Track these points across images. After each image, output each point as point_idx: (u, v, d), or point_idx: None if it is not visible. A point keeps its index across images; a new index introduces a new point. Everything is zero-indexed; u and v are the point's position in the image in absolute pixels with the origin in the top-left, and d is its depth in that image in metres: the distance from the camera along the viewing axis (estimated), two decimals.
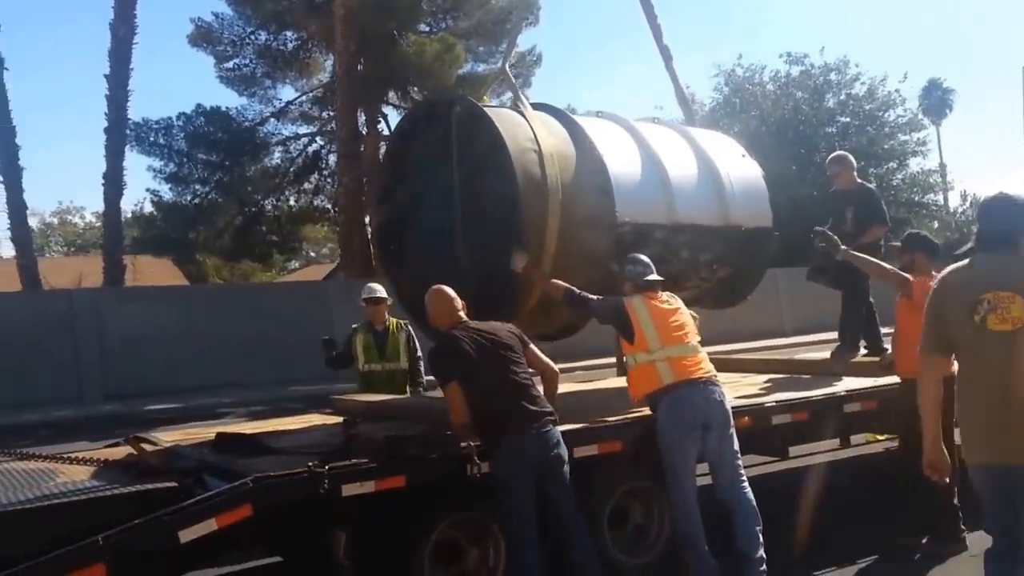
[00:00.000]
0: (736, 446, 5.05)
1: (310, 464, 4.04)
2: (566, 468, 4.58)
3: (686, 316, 5.21)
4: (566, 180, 5.76)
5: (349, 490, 4.13)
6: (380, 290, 7.37)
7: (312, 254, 48.70)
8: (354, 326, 7.56)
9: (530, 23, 23.17)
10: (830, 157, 7.97)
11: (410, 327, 7.66)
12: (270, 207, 24.36)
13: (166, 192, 21.92)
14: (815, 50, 48.80)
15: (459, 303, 4.89)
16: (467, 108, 6.02)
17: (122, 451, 5.27)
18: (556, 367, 4.91)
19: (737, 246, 6.66)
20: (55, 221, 54.08)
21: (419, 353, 7.75)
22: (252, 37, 24.00)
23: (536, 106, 6.59)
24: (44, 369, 15.61)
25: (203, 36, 23.73)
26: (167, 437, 5.64)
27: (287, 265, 42.57)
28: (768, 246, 6.98)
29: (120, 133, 20.33)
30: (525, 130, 5.85)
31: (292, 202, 25.16)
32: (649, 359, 5.00)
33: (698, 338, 5.18)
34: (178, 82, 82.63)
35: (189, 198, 21.94)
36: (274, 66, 24.28)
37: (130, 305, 17.13)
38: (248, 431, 5.66)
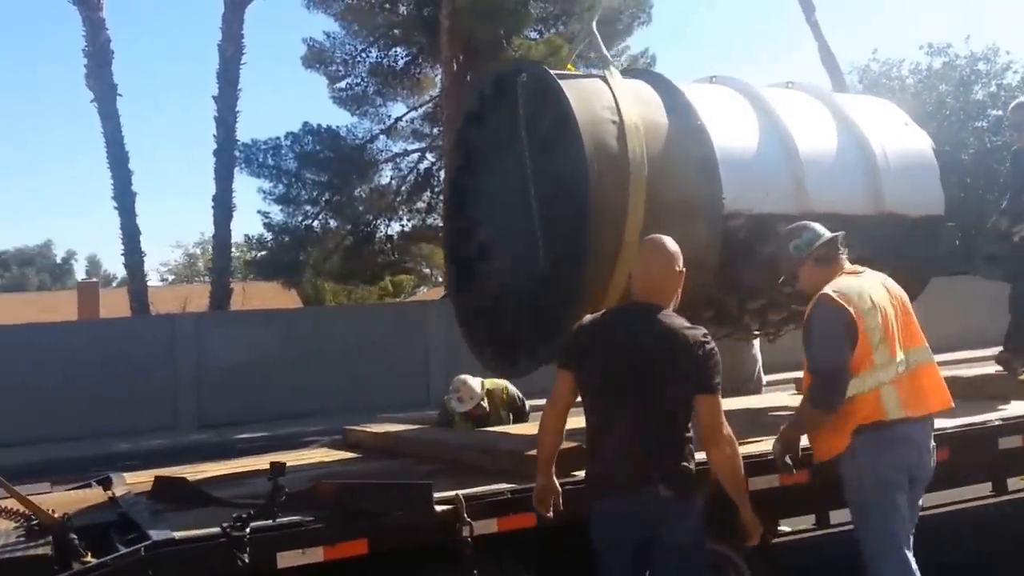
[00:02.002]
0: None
1: (225, 525, 2.93)
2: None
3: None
4: (656, 157, 4.44)
5: (288, 559, 3.05)
6: (469, 391, 6.04)
7: (432, 274, 48.28)
8: (447, 396, 6.27)
9: (643, 22, 21.80)
10: (1015, 103, 6.24)
11: (512, 388, 6.34)
12: (382, 227, 23.77)
13: (277, 214, 21.63)
14: (959, 39, 45.29)
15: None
16: (534, 76, 4.79)
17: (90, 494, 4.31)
18: (736, 443, 3.27)
19: (895, 240, 5.12)
20: (198, 251, 55.90)
21: (527, 410, 6.37)
22: (363, 55, 23.56)
23: (630, 72, 5.29)
24: (144, 396, 15.28)
25: (316, 57, 23.43)
26: (133, 479, 4.60)
27: (416, 289, 42.10)
28: (939, 239, 5.41)
29: (229, 155, 20.11)
30: (604, 98, 4.57)
31: (404, 221, 24.54)
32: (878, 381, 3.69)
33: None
34: (286, 103, 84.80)
35: (300, 219, 21.56)
36: (385, 84, 23.74)
37: (230, 330, 16.69)
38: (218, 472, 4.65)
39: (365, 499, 3.31)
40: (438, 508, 3.33)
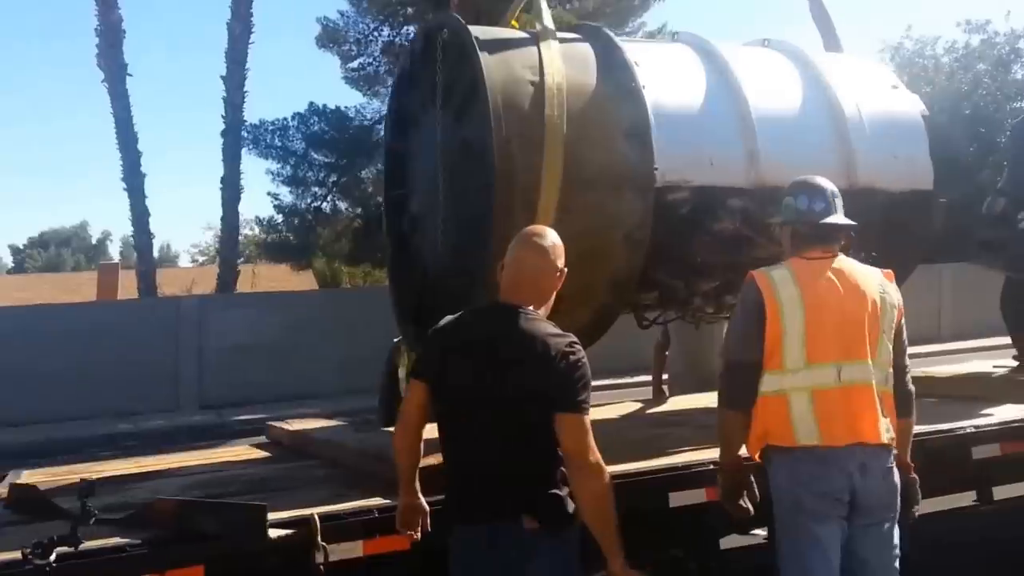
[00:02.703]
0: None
1: (26, 550, 2.51)
2: None
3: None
4: (580, 121, 3.92)
5: None
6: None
7: None
8: (396, 340, 5.93)
9: None
10: None
11: None
12: None
13: (286, 195, 21.29)
14: (999, 16, 43.70)
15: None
16: (453, 31, 4.28)
17: None
18: (606, 472, 2.64)
19: (872, 218, 4.51)
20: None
21: None
22: (376, 34, 23.08)
23: (574, 29, 4.75)
24: (147, 378, 15.16)
25: (329, 36, 22.93)
26: (31, 477, 4.16)
27: None
28: (926, 217, 4.75)
29: (236, 136, 19.80)
30: (528, 58, 4.04)
31: None
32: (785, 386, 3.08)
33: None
34: (296, 84, 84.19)
35: (308, 201, 21.21)
36: (397, 63, 23.25)
37: (234, 312, 16.52)
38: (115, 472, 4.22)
39: (199, 520, 2.87)
40: (278, 532, 2.86)
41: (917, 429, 4.03)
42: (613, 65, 4.12)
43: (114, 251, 60.76)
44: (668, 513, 3.54)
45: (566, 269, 2.84)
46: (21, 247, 64.07)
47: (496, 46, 4.02)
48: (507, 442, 2.62)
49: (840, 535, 2.96)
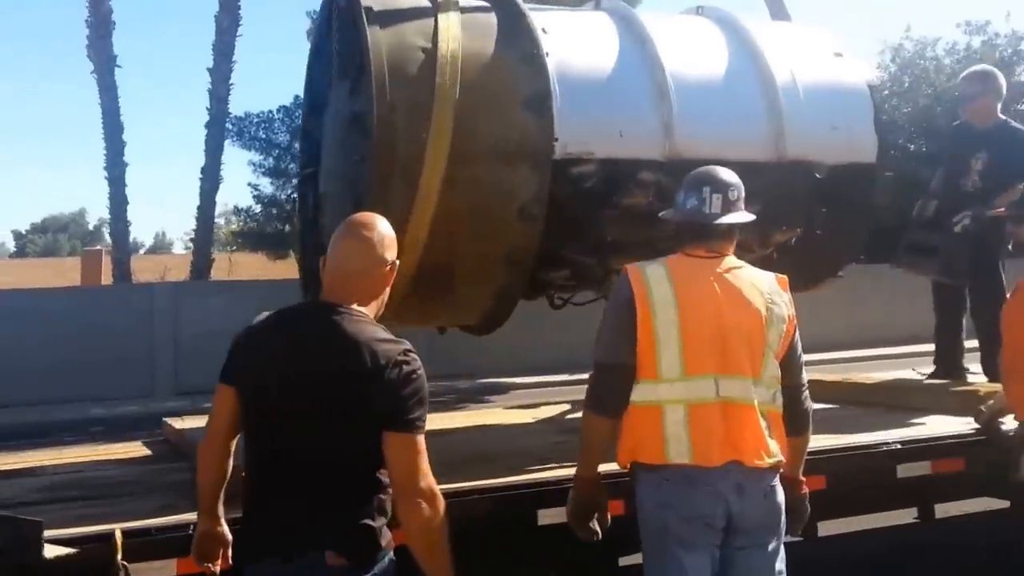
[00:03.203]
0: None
1: None
2: None
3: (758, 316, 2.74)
4: (475, 90, 3.60)
5: None
6: None
7: None
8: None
9: None
10: (968, 72, 5.33)
11: None
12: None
13: (267, 187, 21.03)
14: (1000, 17, 43.21)
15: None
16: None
17: None
18: (440, 500, 2.29)
19: (806, 193, 4.21)
20: (221, 221, 55.65)
21: None
22: None
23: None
24: (122, 364, 14.84)
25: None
26: None
27: None
28: (867, 193, 4.41)
29: (220, 127, 19.51)
30: (423, 25, 3.71)
31: None
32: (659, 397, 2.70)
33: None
34: (283, 77, 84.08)
35: (289, 192, 20.92)
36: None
37: (207, 299, 16.20)
38: None
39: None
40: (57, 550, 2.51)
41: (840, 443, 3.77)
42: (517, 32, 3.81)
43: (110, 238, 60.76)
44: (546, 531, 3.19)
45: (397, 262, 2.46)
46: (23, 232, 64.23)
47: (390, 14, 3.73)
48: (319, 463, 2.24)
49: (710, 563, 2.61)
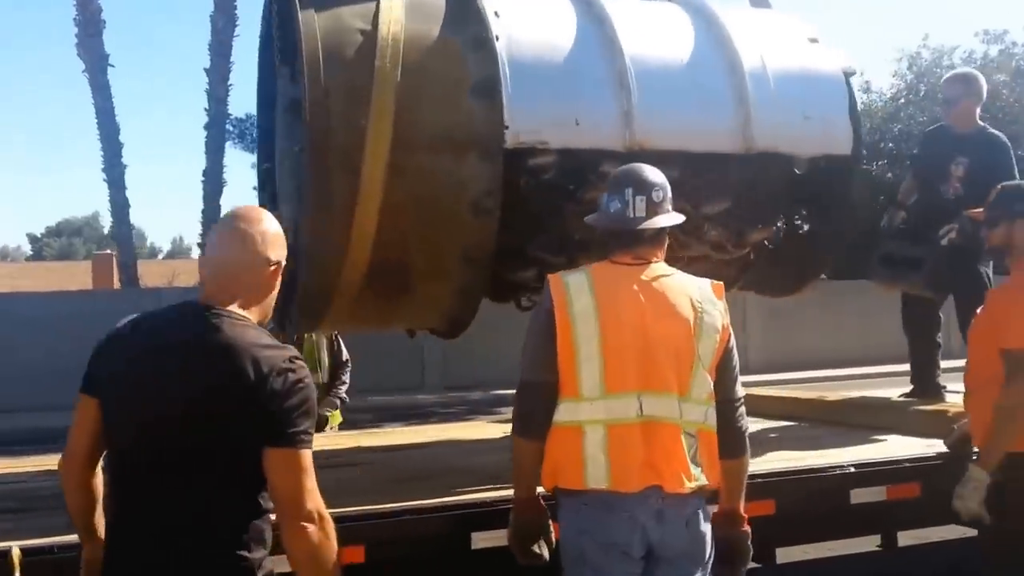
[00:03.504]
0: None
1: None
2: None
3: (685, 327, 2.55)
4: (419, 75, 3.41)
5: None
6: None
7: None
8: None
9: None
10: (949, 75, 5.15)
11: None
12: None
13: None
14: (1017, 26, 42.58)
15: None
16: None
17: None
18: (329, 522, 2.08)
19: (775, 187, 4.00)
20: None
21: (346, 358, 5.70)
22: None
23: None
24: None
25: None
26: None
27: None
28: (845, 187, 4.17)
29: (220, 129, 19.54)
30: (364, 8, 3.50)
31: None
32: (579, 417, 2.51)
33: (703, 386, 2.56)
34: None
35: None
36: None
37: None
38: None
39: None
40: None
41: (789, 465, 3.55)
42: (467, 16, 3.61)
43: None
44: (481, 555, 2.99)
45: (282, 262, 2.23)
46: (39, 236, 64.66)
47: None
48: (188, 485, 2.00)
49: None
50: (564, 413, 2.48)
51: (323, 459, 4.08)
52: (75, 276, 29.05)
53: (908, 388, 5.09)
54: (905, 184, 5.33)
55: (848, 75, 4.07)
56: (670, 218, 2.66)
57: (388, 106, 3.29)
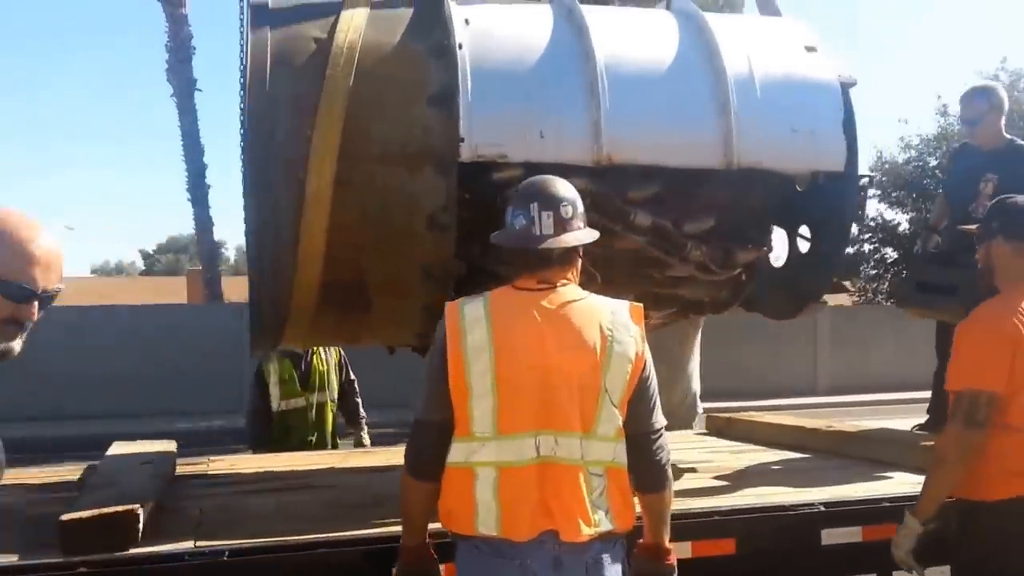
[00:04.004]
0: None
1: None
2: None
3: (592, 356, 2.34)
4: (376, 84, 3.31)
5: None
6: None
7: None
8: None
9: None
10: (968, 90, 4.78)
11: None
12: None
13: None
14: None
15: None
16: None
17: None
18: None
19: (758, 205, 3.79)
20: None
21: (352, 376, 5.68)
22: None
23: None
24: (212, 380, 15.54)
25: None
26: None
27: None
28: (838, 205, 3.86)
29: None
30: (324, 17, 3.44)
31: None
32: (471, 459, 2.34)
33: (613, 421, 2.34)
34: None
35: None
36: None
37: None
38: None
39: None
40: None
41: (751, 502, 3.28)
42: (432, 23, 3.49)
43: (231, 257, 63.04)
44: None
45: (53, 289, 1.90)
46: (151, 252, 67.55)
47: (294, 9, 3.50)
48: None
49: None
50: (456, 454, 2.32)
51: (283, 480, 4.04)
52: (175, 291, 30.23)
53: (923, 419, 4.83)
54: (936, 207, 5.07)
55: (847, 86, 3.78)
56: (580, 236, 2.44)
57: (336, 116, 3.20)
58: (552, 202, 2.41)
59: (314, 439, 5.48)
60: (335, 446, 5.63)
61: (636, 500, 2.42)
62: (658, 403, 2.43)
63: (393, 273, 3.40)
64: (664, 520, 2.45)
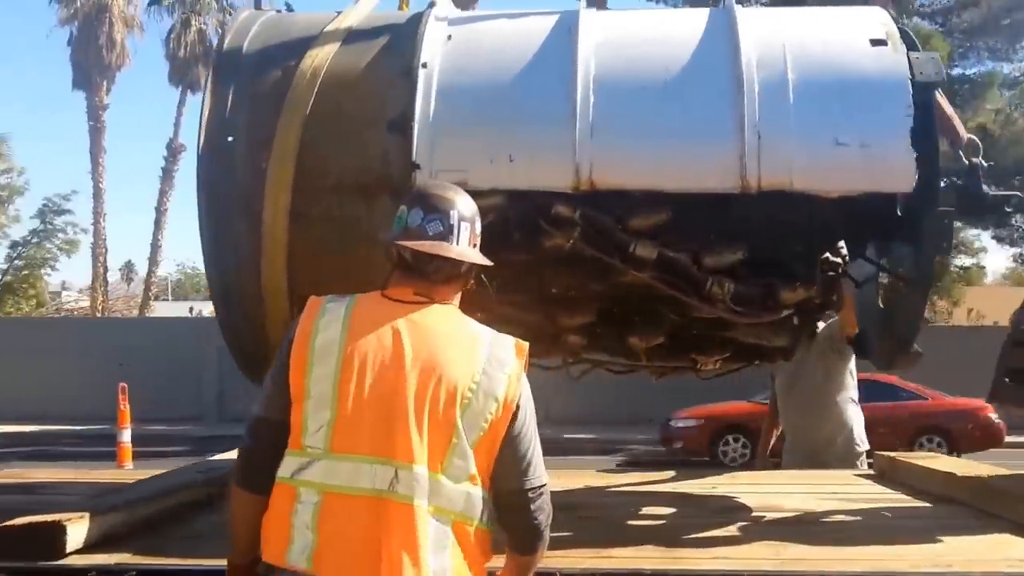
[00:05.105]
0: None
1: None
2: None
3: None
4: (338, 110, 3.14)
5: None
6: None
7: None
8: None
9: None
10: None
11: None
12: None
13: None
14: None
15: None
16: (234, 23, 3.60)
17: None
18: None
19: (792, 238, 3.15)
20: None
21: None
22: None
23: None
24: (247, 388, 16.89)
25: None
26: None
27: None
28: (912, 232, 3.13)
29: None
30: (300, 42, 3.32)
31: None
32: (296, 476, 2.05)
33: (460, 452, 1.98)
34: None
35: None
36: None
37: None
38: None
39: None
40: None
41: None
42: (407, 43, 3.24)
43: None
44: None
45: None
46: None
47: (273, 28, 3.43)
48: None
49: None
50: (284, 467, 2.02)
51: None
52: None
53: None
54: None
55: (928, 86, 2.96)
56: (466, 253, 2.10)
57: (291, 147, 3.08)
58: (458, 216, 2.11)
59: None
60: None
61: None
62: (538, 457, 2.06)
63: None
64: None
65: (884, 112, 2.96)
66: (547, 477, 2.07)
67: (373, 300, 2.09)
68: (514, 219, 3.13)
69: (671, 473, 4.93)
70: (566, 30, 3.25)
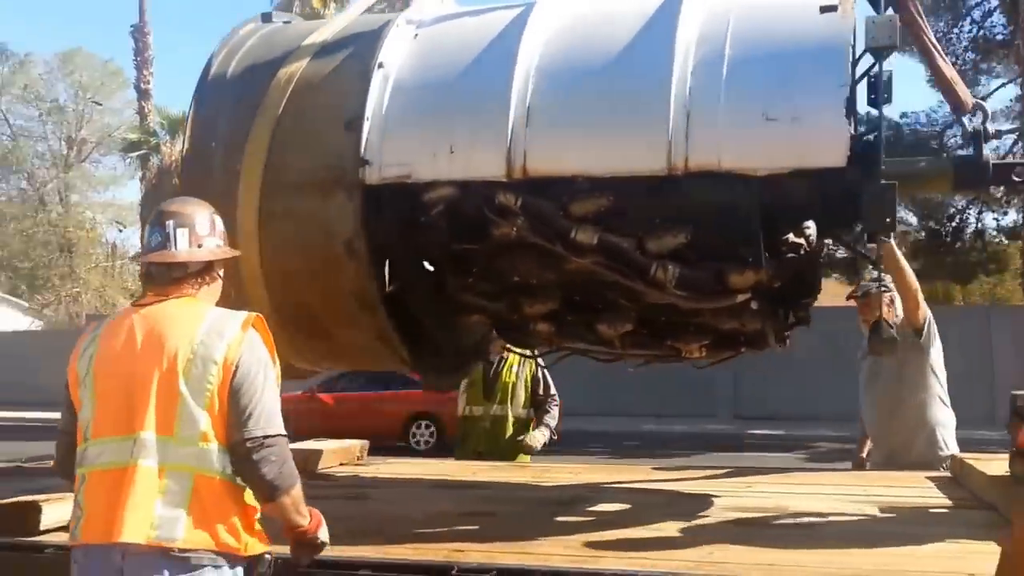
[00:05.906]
0: None
1: None
2: None
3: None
4: (304, 112, 3.36)
5: None
6: None
7: None
8: None
9: None
10: None
11: (540, 363, 5.57)
12: None
13: None
14: None
15: None
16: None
17: None
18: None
19: (726, 220, 3.02)
20: None
21: (553, 391, 5.66)
22: None
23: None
24: None
25: None
26: None
27: None
28: (843, 211, 3.02)
29: None
30: (284, 49, 3.56)
31: None
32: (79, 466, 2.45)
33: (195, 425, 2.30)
34: None
35: None
36: None
37: None
38: None
39: None
40: None
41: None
42: (371, 44, 3.40)
43: None
44: None
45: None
46: None
47: (266, 40, 3.69)
48: None
49: None
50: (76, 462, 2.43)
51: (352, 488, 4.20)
52: None
53: None
54: None
55: (881, 50, 2.77)
56: (202, 253, 2.46)
57: (261, 148, 3.33)
58: (163, 217, 2.46)
59: (483, 450, 5.51)
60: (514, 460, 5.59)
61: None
62: (264, 411, 2.32)
63: (333, 303, 3.42)
64: (290, 517, 2.38)
65: (818, 83, 2.80)
66: (277, 430, 2.32)
67: (123, 312, 2.48)
68: (463, 210, 3.23)
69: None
70: (523, 21, 3.31)
